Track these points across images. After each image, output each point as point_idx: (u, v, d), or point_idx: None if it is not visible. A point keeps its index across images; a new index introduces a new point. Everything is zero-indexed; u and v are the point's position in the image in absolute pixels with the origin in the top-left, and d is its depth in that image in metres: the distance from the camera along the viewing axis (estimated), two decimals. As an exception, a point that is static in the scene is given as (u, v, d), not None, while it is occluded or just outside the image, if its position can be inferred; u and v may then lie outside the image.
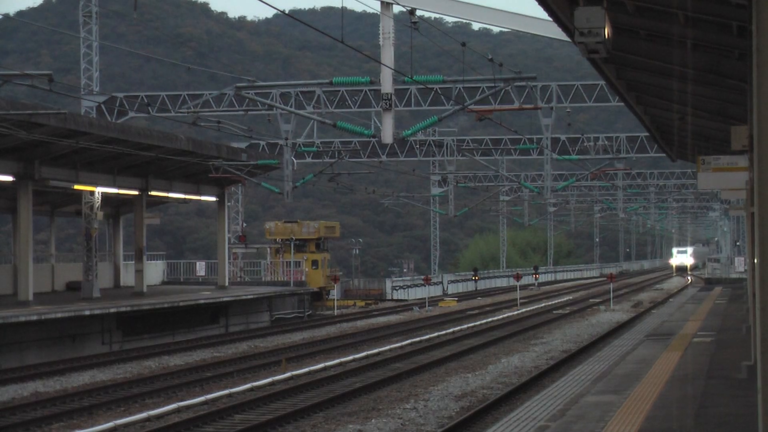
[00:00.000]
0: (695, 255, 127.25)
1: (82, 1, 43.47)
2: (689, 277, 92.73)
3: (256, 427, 17.59)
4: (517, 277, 58.53)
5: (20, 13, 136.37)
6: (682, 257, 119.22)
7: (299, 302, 47.51)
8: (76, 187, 35.84)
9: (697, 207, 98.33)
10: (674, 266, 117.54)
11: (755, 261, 8.37)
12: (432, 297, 58.20)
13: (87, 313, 30.75)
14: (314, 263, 52.99)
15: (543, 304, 52.41)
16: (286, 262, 51.94)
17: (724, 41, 14.31)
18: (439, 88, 36.01)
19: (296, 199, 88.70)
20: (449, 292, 70.45)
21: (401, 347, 30.65)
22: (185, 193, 43.41)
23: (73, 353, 30.25)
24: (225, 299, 39.88)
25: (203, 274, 53.74)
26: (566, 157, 51.99)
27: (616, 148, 52.06)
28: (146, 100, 41.34)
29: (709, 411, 13.70)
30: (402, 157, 54.90)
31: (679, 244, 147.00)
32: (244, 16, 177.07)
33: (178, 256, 72.07)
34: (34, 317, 28.30)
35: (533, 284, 79.50)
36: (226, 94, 37.84)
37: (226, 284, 45.71)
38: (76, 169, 35.00)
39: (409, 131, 31.03)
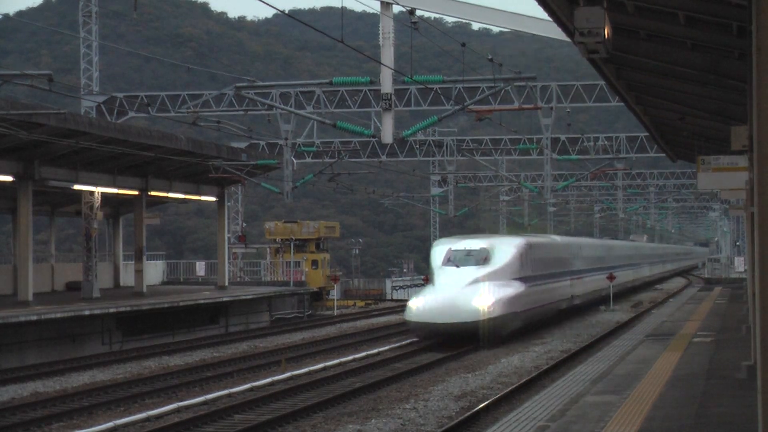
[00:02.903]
0: (505, 275, 31.97)
1: (82, 1, 43.52)
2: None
3: (256, 427, 17.59)
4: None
5: (20, 13, 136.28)
6: (452, 279, 30.99)
7: (299, 302, 47.51)
8: (76, 187, 35.84)
9: (697, 207, 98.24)
10: (416, 326, 30.99)
11: (755, 261, 8.37)
12: (432, 297, 58.00)
13: (87, 313, 30.74)
14: (314, 263, 52.99)
15: (543, 304, 52.17)
16: (286, 262, 51.95)
17: (724, 41, 14.30)
18: (439, 88, 36.01)
19: (296, 199, 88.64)
20: (449, 292, 70.15)
21: (401, 347, 30.64)
22: (185, 193, 43.41)
23: (73, 353, 30.24)
24: (225, 299, 39.87)
25: (203, 274, 53.77)
26: (566, 157, 51.99)
27: (616, 148, 52.06)
28: (146, 100, 41.36)
29: (709, 411, 13.70)
30: (402, 157, 54.90)
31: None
32: (244, 16, 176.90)
33: (178, 256, 72.06)
34: (34, 317, 28.29)
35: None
36: (226, 94, 37.86)
37: (226, 284, 45.70)
38: (76, 169, 35.00)
39: (409, 131, 31.03)
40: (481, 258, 31.92)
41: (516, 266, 32.99)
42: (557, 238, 43.41)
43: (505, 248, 33.12)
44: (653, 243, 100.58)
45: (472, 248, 32.39)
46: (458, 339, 29.93)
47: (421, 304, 30.63)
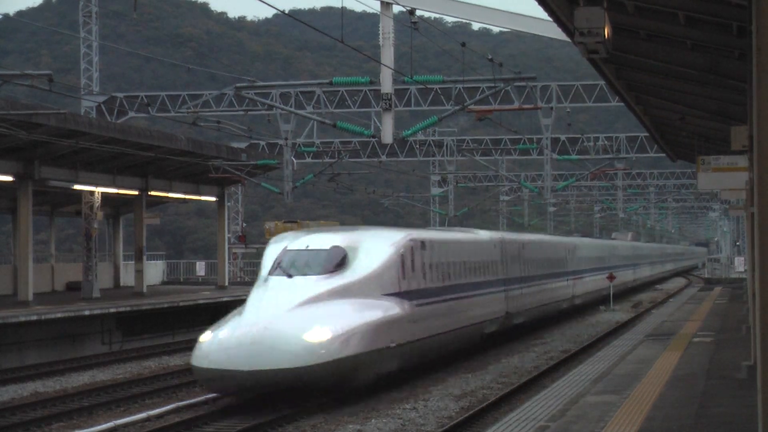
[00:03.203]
0: (371, 288, 21.11)
1: (82, 1, 43.50)
2: None
3: (256, 427, 17.58)
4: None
5: (20, 13, 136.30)
6: (276, 297, 19.79)
7: (299, 302, 47.45)
8: (76, 187, 35.85)
9: (697, 207, 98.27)
10: (207, 375, 19.36)
11: (755, 261, 8.37)
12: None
13: (87, 313, 30.73)
14: (314, 263, 52.88)
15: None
16: (286, 262, 51.86)
17: (724, 41, 14.31)
18: (439, 88, 36.02)
19: (296, 199, 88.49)
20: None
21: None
22: (185, 193, 43.41)
23: (73, 353, 30.23)
24: (225, 299, 39.81)
25: (203, 274, 53.81)
26: (566, 157, 52.01)
27: (616, 148, 52.08)
28: (146, 100, 41.36)
29: (709, 411, 13.70)
30: (402, 157, 54.91)
31: None
32: (244, 16, 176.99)
33: (178, 256, 72.11)
34: (34, 317, 28.28)
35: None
36: (226, 94, 37.87)
37: (226, 284, 45.70)
38: (76, 169, 35.00)
39: (409, 131, 31.04)
40: (332, 262, 20.55)
41: (392, 275, 21.51)
42: (482, 234, 30.73)
43: (375, 248, 21.47)
44: (640, 242, 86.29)
45: (319, 247, 20.79)
46: (280, 394, 18.97)
47: (219, 338, 18.94)
